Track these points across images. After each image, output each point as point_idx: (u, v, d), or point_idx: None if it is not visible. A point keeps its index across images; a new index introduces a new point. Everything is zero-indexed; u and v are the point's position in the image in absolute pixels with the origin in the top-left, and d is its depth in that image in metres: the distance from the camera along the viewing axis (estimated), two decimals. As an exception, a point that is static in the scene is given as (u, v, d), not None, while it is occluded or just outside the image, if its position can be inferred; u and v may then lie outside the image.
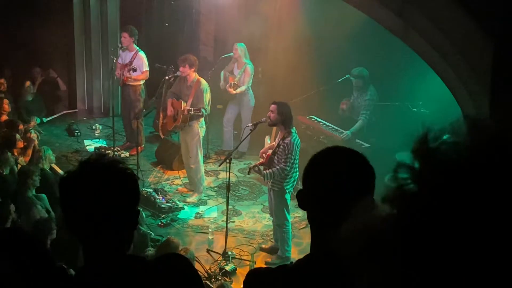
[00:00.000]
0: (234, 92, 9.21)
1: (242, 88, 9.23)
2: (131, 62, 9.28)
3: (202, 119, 8.10)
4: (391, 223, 0.82)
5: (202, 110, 7.78)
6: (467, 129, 0.82)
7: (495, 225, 0.75)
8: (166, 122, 8.32)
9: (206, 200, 8.39)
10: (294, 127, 6.62)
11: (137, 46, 9.43)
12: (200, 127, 8.12)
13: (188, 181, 8.65)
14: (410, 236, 0.79)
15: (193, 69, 7.95)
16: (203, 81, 8.01)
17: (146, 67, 9.39)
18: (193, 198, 8.29)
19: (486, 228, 0.75)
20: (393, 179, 0.84)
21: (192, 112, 7.76)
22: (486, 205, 0.75)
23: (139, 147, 9.26)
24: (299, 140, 6.57)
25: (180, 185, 8.76)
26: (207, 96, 7.93)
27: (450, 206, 0.77)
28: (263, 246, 7.28)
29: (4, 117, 9.09)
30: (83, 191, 1.77)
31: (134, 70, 9.24)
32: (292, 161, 6.46)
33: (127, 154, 9.55)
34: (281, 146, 6.49)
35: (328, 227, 1.86)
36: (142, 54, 9.36)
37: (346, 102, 8.66)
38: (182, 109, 7.90)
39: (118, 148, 9.61)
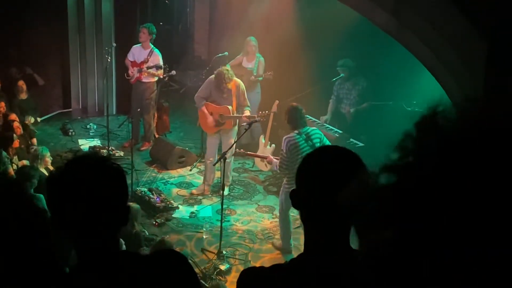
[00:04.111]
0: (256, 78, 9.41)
1: (260, 79, 9.43)
2: (147, 60, 9.45)
3: None
4: (390, 191, 0.84)
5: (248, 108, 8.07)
6: (462, 108, 0.87)
7: (489, 192, 0.78)
8: (208, 126, 8.26)
9: (200, 199, 8.38)
10: (301, 129, 6.55)
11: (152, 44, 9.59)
12: None
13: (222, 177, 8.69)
14: (408, 204, 0.82)
15: None
16: (238, 80, 8.12)
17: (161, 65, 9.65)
18: (226, 191, 8.16)
19: (479, 197, 0.78)
20: (397, 148, 0.88)
21: (258, 119, 7.83)
22: (478, 176, 0.78)
23: (146, 143, 9.84)
24: (293, 140, 6.49)
25: (175, 185, 8.74)
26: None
27: (444, 176, 0.80)
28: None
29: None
30: (70, 190, 1.75)
31: (160, 67, 9.47)
32: (284, 158, 6.49)
33: (122, 153, 9.54)
34: None
35: (321, 226, 1.86)
36: (157, 52, 9.55)
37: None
38: (230, 114, 8.00)
39: (113, 148, 9.60)
